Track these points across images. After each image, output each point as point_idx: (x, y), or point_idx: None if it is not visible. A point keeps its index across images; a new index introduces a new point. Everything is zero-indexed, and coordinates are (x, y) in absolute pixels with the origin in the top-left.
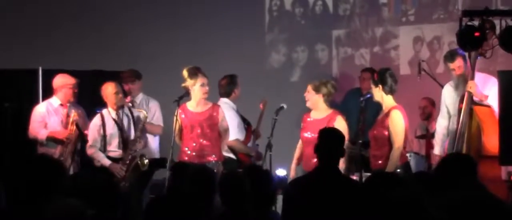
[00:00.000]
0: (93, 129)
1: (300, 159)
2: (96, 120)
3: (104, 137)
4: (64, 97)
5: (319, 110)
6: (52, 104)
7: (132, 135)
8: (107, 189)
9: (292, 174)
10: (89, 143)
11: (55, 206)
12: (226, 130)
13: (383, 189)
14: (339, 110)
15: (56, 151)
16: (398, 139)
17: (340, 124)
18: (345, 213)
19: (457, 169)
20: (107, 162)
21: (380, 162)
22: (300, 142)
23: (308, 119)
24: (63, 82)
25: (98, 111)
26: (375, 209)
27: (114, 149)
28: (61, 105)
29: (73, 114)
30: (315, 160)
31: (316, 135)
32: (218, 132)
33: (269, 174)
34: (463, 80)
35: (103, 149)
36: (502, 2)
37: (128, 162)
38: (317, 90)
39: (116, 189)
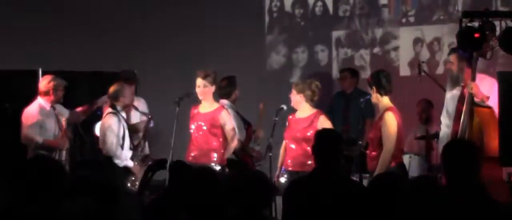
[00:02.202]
0: (116, 129)
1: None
2: (118, 121)
3: (123, 138)
4: (55, 98)
5: (302, 110)
6: (45, 106)
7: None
8: (106, 188)
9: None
10: (115, 141)
11: (69, 206)
12: (229, 135)
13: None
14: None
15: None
16: (389, 141)
17: (324, 124)
18: (346, 214)
19: (458, 156)
20: (131, 163)
21: (375, 163)
22: (284, 143)
23: (291, 117)
24: (56, 84)
25: (99, 113)
26: (376, 210)
27: (127, 150)
28: (52, 107)
29: (64, 119)
30: (300, 159)
31: (299, 134)
32: (222, 135)
33: (264, 176)
34: (451, 79)
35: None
36: (502, 3)
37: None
38: (299, 90)
39: (115, 188)
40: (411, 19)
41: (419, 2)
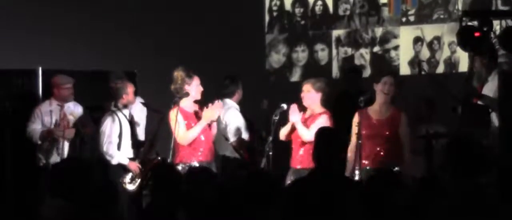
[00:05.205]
0: (109, 127)
1: None
2: (112, 118)
3: (120, 135)
4: (59, 96)
5: (315, 108)
6: (49, 104)
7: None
8: (108, 190)
9: None
10: (106, 140)
11: (46, 207)
12: None
13: (383, 190)
14: None
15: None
16: (408, 141)
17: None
18: (345, 213)
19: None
20: (125, 160)
21: (382, 160)
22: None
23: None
24: (56, 82)
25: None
26: (375, 210)
27: (128, 148)
28: (58, 105)
29: (70, 115)
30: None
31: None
32: None
33: (264, 174)
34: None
35: (118, 147)
36: (502, 3)
37: (143, 162)
38: (316, 88)
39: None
40: (411, 18)
41: (419, 1)
